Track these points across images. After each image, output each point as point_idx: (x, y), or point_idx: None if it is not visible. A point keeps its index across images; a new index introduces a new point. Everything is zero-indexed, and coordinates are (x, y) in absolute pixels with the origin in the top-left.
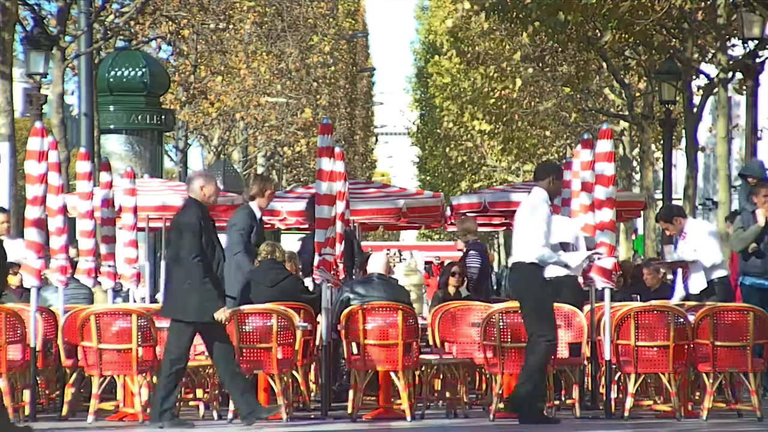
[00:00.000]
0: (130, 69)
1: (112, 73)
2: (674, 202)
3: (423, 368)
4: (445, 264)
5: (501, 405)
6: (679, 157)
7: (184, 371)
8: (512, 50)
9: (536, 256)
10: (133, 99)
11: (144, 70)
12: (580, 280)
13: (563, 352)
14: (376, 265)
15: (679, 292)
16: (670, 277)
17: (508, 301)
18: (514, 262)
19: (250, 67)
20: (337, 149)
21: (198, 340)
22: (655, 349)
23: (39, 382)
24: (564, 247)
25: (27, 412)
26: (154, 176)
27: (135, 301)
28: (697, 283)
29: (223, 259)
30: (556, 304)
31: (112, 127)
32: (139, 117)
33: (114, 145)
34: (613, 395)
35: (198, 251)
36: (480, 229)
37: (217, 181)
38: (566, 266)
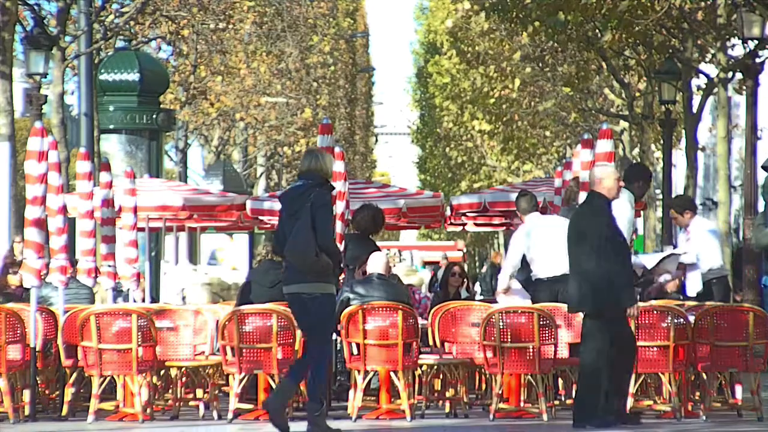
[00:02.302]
0: (123, 69)
1: (105, 73)
2: None
3: (423, 368)
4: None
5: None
6: (679, 157)
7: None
8: (512, 50)
9: None
10: (126, 99)
11: (137, 70)
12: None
13: (563, 352)
14: (376, 265)
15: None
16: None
17: None
18: None
19: (250, 67)
20: (337, 149)
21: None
22: (655, 349)
23: (39, 382)
24: None
25: (27, 412)
26: (153, 176)
27: (135, 301)
28: (694, 285)
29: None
30: (556, 305)
31: (111, 127)
32: (128, 117)
33: (107, 144)
34: None
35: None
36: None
37: (617, 169)
38: (644, 267)
